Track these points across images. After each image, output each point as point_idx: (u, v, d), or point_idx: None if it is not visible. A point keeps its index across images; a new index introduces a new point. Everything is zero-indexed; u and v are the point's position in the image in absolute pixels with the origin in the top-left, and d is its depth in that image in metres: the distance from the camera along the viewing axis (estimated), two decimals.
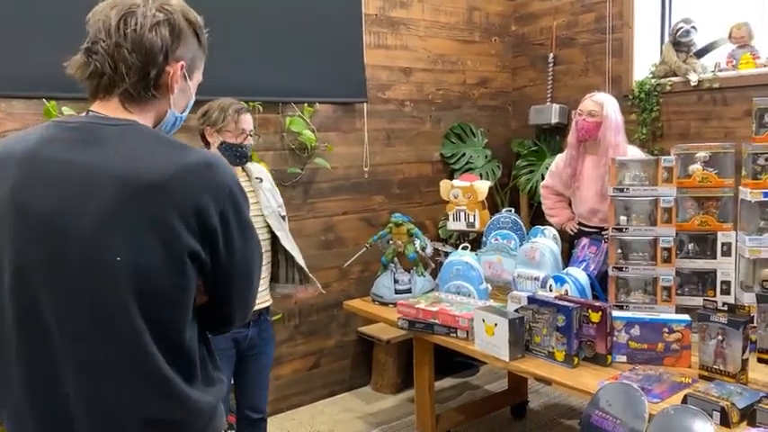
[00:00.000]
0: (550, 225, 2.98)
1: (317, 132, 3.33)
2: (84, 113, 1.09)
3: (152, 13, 1.06)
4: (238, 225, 1.09)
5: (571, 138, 2.95)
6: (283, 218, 2.38)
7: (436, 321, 2.35)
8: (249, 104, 3.05)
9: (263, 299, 2.32)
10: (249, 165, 2.37)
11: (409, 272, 2.88)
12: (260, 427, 2.46)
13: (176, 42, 1.09)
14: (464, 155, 3.97)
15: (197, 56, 1.17)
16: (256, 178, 2.34)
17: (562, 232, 3.08)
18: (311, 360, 3.53)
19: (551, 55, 4.01)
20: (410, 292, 2.78)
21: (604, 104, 2.79)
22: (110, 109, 1.07)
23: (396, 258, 2.89)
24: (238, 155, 2.24)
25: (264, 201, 2.31)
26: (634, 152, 2.87)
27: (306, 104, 3.30)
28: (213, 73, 2.93)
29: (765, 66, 3.07)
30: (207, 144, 2.29)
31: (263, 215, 2.29)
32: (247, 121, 2.26)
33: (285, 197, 3.26)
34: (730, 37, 3.22)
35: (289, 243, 2.35)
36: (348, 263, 3.27)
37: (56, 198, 0.99)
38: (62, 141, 1.03)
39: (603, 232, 2.56)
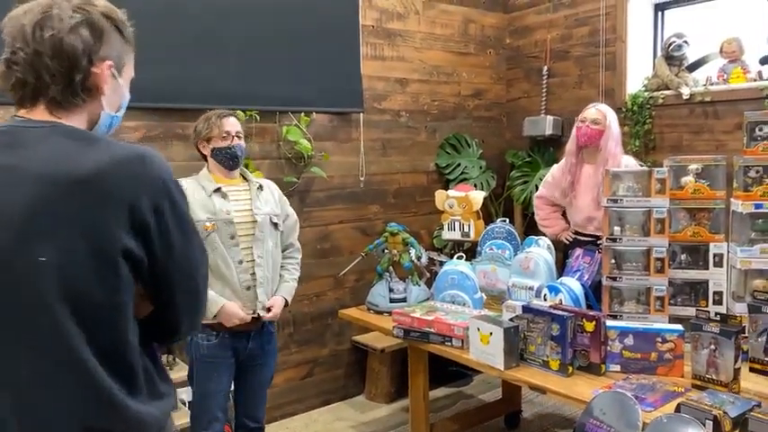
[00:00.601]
0: (545, 235, 3.01)
1: (314, 142, 3.35)
2: (8, 119, 1.06)
3: (68, 15, 1.01)
4: (176, 221, 1.04)
5: (570, 145, 2.99)
6: (275, 225, 2.36)
7: (431, 330, 2.36)
8: (246, 113, 3.08)
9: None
10: (259, 179, 2.43)
11: (404, 281, 2.89)
12: None
13: (99, 42, 1.05)
14: (459, 165, 4.00)
15: (123, 52, 1.12)
16: (257, 186, 2.36)
17: (556, 242, 3.10)
18: (305, 369, 3.53)
19: (545, 67, 4.05)
20: (405, 301, 2.80)
21: (607, 115, 2.87)
22: (35, 115, 1.03)
23: (391, 267, 2.91)
24: (228, 156, 2.28)
25: (257, 205, 2.32)
26: (629, 162, 2.92)
27: (302, 114, 3.32)
28: (210, 82, 2.98)
29: (755, 80, 3.12)
30: (204, 157, 2.33)
31: (254, 220, 2.29)
32: (231, 123, 2.30)
33: None
34: (721, 51, 3.28)
35: (259, 250, 2.29)
36: (343, 272, 3.29)
37: None
38: None
39: (599, 242, 2.58)
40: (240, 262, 2.24)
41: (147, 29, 2.79)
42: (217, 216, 2.22)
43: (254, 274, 2.27)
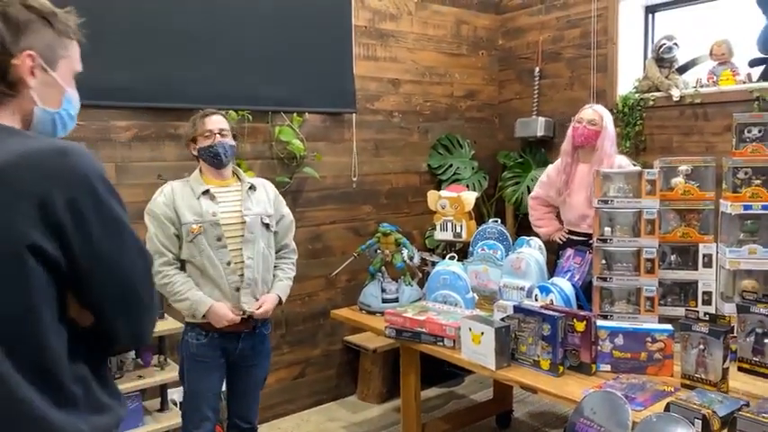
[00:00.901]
0: (536, 235, 3.02)
1: (306, 142, 3.35)
2: None
3: None
4: (101, 220, 0.98)
5: (566, 145, 3.02)
6: (267, 226, 2.33)
7: (423, 330, 2.37)
8: (238, 113, 3.07)
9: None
10: (253, 179, 2.42)
11: (397, 281, 2.90)
12: None
13: (16, 34, 1.01)
14: (451, 166, 4.01)
15: (56, 44, 1.06)
16: (249, 186, 2.34)
17: (549, 243, 3.12)
18: (297, 369, 3.52)
19: (537, 69, 4.07)
20: (397, 301, 2.80)
21: (603, 116, 2.90)
22: None
23: (383, 268, 2.91)
24: (211, 155, 2.27)
25: (247, 205, 2.29)
26: (622, 161, 2.94)
27: (295, 114, 3.32)
28: (203, 82, 2.97)
29: (745, 82, 3.15)
30: (197, 159, 2.33)
31: (243, 221, 2.26)
32: (212, 121, 2.28)
33: None
34: (711, 54, 3.30)
35: (249, 251, 2.26)
36: (336, 272, 3.29)
37: None
38: None
39: (591, 240, 2.60)
40: (229, 263, 2.23)
41: (140, 28, 2.81)
42: (203, 218, 2.21)
43: (242, 275, 2.26)
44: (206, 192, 2.25)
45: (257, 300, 2.29)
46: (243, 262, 2.25)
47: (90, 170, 0.97)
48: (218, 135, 2.26)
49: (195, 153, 2.30)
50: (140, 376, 2.71)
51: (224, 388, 2.42)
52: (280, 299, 2.36)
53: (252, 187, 2.35)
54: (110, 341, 1.07)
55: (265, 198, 2.38)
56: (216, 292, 2.23)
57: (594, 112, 2.91)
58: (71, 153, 0.97)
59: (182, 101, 2.93)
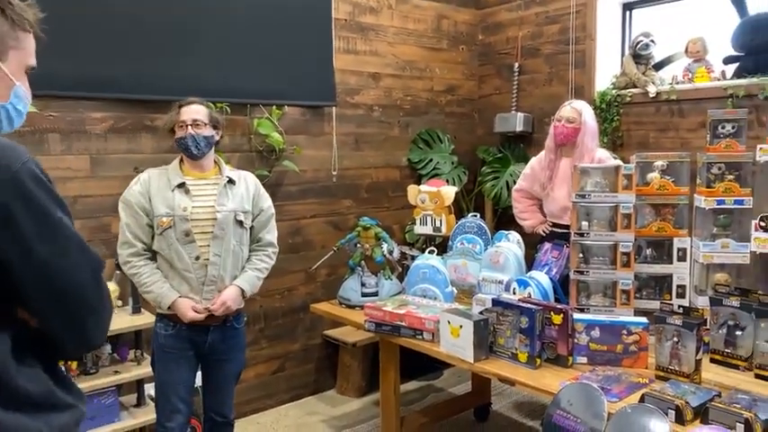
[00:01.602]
0: (515, 230, 3.04)
1: (286, 135, 3.32)
2: None
3: None
4: (33, 223, 0.92)
5: (549, 142, 3.04)
6: (240, 223, 2.28)
7: (402, 324, 2.38)
8: (217, 106, 3.04)
9: None
10: (235, 171, 2.37)
11: (376, 275, 2.90)
12: (225, 431, 2.44)
13: None
14: (431, 160, 4.02)
15: (7, 35, 1.01)
16: (227, 180, 2.30)
17: (532, 235, 3.15)
18: (276, 364, 3.51)
19: (516, 64, 4.09)
20: (377, 295, 2.80)
21: (582, 112, 2.91)
22: None
23: (363, 262, 2.91)
24: (183, 147, 2.24)
25: (221, 201, 2.24)
26: (603, 154, 2.97)
27: (274, 107, 3.29)
28: (180, 74, 2.94)
29: (719, 79, 3.20)
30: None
31: (215, 217, 2.22)
32: (187, 112, 2.23)
33: None
34: (686, 51, 3.35)
35: (217, 248, 2.22)
36: (315, 266, 3.28)
37: None
38: None
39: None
40: (197, 258, 2.20)
41: (116, 18, 2.76)
42: (173, 212, 2.18)
43: (218, 276, 2.24)
44: (181, 185, 2.22)
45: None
46: (213, 263, 2.22)
47: (20, 169, 0.91)
48: (190, 126, 2.20)
49: (174, 143, 2.28)
50: (116, 371, 2.67)
51: (200, 382, 2.41)
52: (243, 291, 2.28)
53: (231, 181, 2.31)
54: (56, 346, 1.03)
55: (244, 193, 2.32)
56: (184, 286, 2.21)
57: (573, 109, 2.93)
58: None
59: (158, 92, 2.88)
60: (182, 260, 2.19)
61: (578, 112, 2.91)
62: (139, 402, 2.77)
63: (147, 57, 2.84)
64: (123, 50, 2.78)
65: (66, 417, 1.02)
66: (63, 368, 1.10)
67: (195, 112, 2.24)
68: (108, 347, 2.71)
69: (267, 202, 2.43)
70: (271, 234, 2.43)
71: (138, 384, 2.75)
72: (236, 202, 2.28)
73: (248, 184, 2.37)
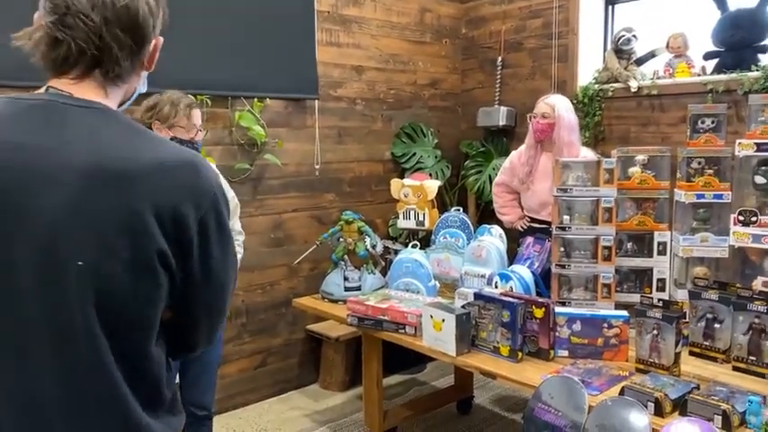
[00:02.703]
0: (498, 224, 3.05)
1: (267, 128, 3.29)
2: (42, 90, 0.93)
3: None
4: (219, 237, 0.96)
5: (529, 139, 3.06)
6: None
7: (385, 318, 2.37)
8: (197, 98, 2.99)
9: None
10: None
11: (359, 269, 2.89)
12: (205, 424, 2.42)
13: (158, 11, 0.97)
14: (414, 154, 4.01)
15: (156, 30, 1.02)
16: None
17: (511, 230, 3.16)
18: (258, 359, 3.49)
19: (500, 58, 4.09)
20: (360, 290, 2.79)
21: (556, 106, 2.91)
22: (80, 90, 0.91)
23: (346, 256, 2.90)
24: (192, 147, 2.19)
25: None
26: (584, 153, 2.99)
27: (256, 99, 3.26)
28: (160, 65, 2.88)
29: (699, 75, 3.23)
30: None
31: None
32: (198, 115, 2.23)
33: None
34: (668, 47, 3.38)
35: None
36: (298, 260, 3.26)
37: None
38: (17, 121, 0.87)
39: (550, 228, 2.64)
40: None
41: None
42: None
43: None
44: None
45: None
46: None
47: (215, 187, 0.95)
48: (199, 131, 2.20)
49: (170, 130, 2.17)
50: None
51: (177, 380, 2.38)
52: None
53: None
54: (188, 348, 1.07)
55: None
56: None
57: (546, 104, 2.94)
58: (200, 167, 0.94)
59: None
60: None
61: (551, 106, 2.92)
62: None
63: None
64: None
65: (179, 419, 1.03)
66: None
67: (199, 116, 2.23)
68: None
69: (231, 192, 2.42)
70: (238, 224, 2.45)
71: None
72: None
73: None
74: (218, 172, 0.99)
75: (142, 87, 1.06)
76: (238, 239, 2.44)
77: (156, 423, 0.94)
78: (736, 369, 1.92)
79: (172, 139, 2.15)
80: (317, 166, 3.62)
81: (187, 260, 0.93)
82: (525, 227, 3.14)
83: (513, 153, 3.20)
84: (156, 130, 2.16)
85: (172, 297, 0.94)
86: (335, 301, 2.79)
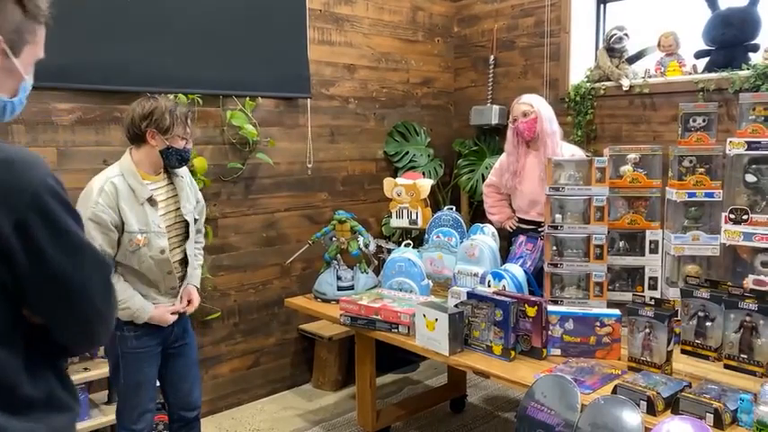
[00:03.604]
0: (490, 223, 3.05)
1: (259, 127, 3.28)
2: None
3: None
4: (53, 237, 0.91)
5: (508, 146, 3.08)
6: (195, 221, 2.29)
7: (378, 317, 2.37)
8: (188, 97, 2.98)
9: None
10: (177, 170, 2.28)
11: (352, 269, 2.88)
12: (194, 426, 2.40)
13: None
14: (407, 153, 4.01)
15: (24, 28, 0.97)
16: (180, 176, 2.26)
17: (501, 230, 3.16)
18: (251, 359, 3.48)
19: (492, 57, 4.09)
20: (353, 289, 2.79)
21: (532, 102, 2.94)
22: None
23: (339, 255, 2.89)
24: (180, 159, 2.16)
25: (185, 204, 2.22)
26: (574, 151, 2.99)
27: (247, 98, 3.24)
28: (152, 64, 2.87)
29: (690, 73, 3.24)
30: (136, 140, 2.12)
31: (183, 221, 2.22)
32: (191, 125, 2.21)
33: (225, 192, 3.22)
34: (659, 45, 3.39)
35: (188, 250, 2.25)
36: (290, 260, 3.25)
37: None
38: None
39: (540, 229, 2.64)
40: (169, 272, 2.17)
41: (84, 5, 2.68)
42: (149, 228, 2.09)
43: (182, 276, 2.24)
44: (150, 198, 2.11)
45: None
46: (180, 267, 2.23)
47: (39, 185, 0.89)
48: (191, 141, 2.19)
49: (155, 144, 2.09)
50: (86, 368, 2.62)
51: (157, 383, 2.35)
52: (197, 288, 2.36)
53: (182, 177, 2.26)
54: (62, 350, 1.04)
55: (188, 187, 2.28)
56: (152, 291, 2.17)
57: (523, 104, 2.97)
58: (20, 164, 0.88)
59: (129, 83, 2.82)
60: (154, 275, 2.15)
61: (529, 104, 2.95)
62: (110, 399, 2.73)
63: (115, 46, 2.76)
64: (91, 39, 2.70)
65: (65, 418, 1.01)
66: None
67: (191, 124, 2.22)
68: None
69: (199, 191, 2.43)
70: (203, 224, 2.45)
71: (109, 381, 2.70)
72: (190, 200, 2.26)
73: (187, 179, 2.31)
74: (48, 167, 0.95)
75: (5, 95, 1.00)
76: (202, 242, 2.45)
77: (18, 423, 0.92)
78: (727, 367, 1.93)
79: (168, 148, 2.11)
80: (310, 165, 3.61)
81: (16, 267, 0.89)
82: (514, 227, 3.14)
83: (503, 154, 3.21)
84: (150, 138, 2.09)
85: (20, 301, 0.92)
86: (328, 301, 2.78)
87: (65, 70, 2.64)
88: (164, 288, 2.19)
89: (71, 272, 0.95)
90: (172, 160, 2.14)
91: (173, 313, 2.20)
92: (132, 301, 2.10)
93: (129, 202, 2.06)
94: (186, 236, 2.24)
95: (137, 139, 2.12)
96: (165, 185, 2.20)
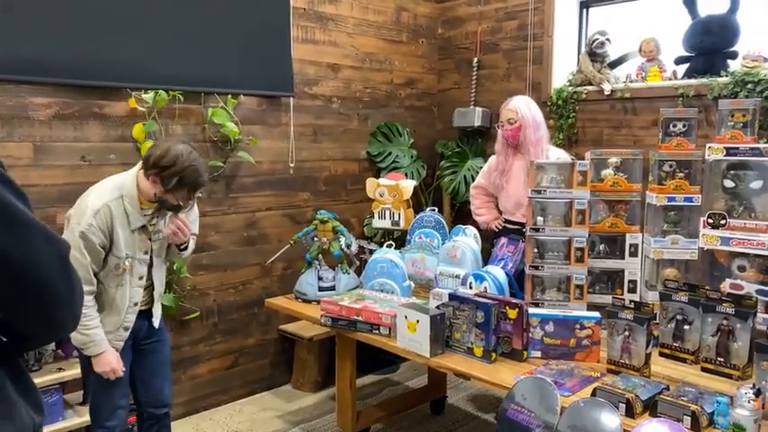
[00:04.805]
0: (472, 224, 3.06)
1: (241, 125, 3.25)
2: None
3: None
4: (4, 223, 0.89)
5: (498, 146, 3.09)
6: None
7: (359, 318, 2.36)
8: (169, 93, 2.94)
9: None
10: None
11: (334, 269, 2.87)
12: (165, 424, 2.37)
13: None
14: (390, 154, 4.00)
15: None
16: None
17: (486, 231, 3.17)
18: (230, 359, 3.44)
19: (476, 59, 4.11)
20: (334, 290, 2.77)
21: (518, 108, 2.95)
22: None
23: (320, 255, 2.87)
24: (174, 210, 2.12)
25: (159, 225, 2.18)
26: (559, 154, 3.01)
27: (229, 96, 3.21)
28: (132, 60, 2.83)
29: (671, 79, 3.28)
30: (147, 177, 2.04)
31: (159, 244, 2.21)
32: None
33: (205, 191, 3.17)
34: (640, 50, 3.42)
35: (156, 275, 2.23)
36: (271, 260, 3.22)
37: None
38: None
39: (525, 229, 2.65)
40: (135, 304, 2.16)
41: (67, 1, 2.62)
42: (134, 255, 2.08)
43: (151, 299, 2.24)
44: (143, 227, 2.09)
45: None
46: (146, 293, 2.20)
47: None
48: (188, 205, 2.14)
49: (158, 191, 2.02)
50: (60, 368, 2.57)
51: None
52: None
53: None
54: (25, 340, 1.00)
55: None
56: (113, 317, 2.12)
57: (509, 110, 2.97)
58: None
59: (108, 79, 2.77)
60: (123, 300, 2.11)
61: (514, 110, 2.95)
62: (85, 400, 2.67)
63: (95, 40, 2.71)
64: (69, 32, 2.65)
65: (10, 427, 0.96)
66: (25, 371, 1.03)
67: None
68: (51, 344, 2.60)
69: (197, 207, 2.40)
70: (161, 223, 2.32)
71: (84, 382, 2.65)
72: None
73: None
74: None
75: None
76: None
77: None
78: (704, 370, 1.95)
79: (161, 198, 2.04)
80: (292, 165, 3.58)
81: None
82: (500, 227, 3.16)
83: (492, 157, 3.22)
84: (151, 184, 2.03)
85: None
86: (309, 302, 2.76)
87: (43, 64, 2.59)
88: (125, 304, 2.13)
89: (19, 251, 0.91)
90: (163, 205, 2.09)
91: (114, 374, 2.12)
92: (95, 331, 2.04)
93: (123, 225, 2.04)
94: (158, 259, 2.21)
95: (142, 175, 2.07)
96: (159, 211, 2.15)
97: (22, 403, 0.98)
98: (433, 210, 3.00)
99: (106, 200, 2.03)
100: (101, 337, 2.07)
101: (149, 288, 2.22)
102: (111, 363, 2.10)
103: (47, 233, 0.95)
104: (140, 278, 2.14)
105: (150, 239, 2.15)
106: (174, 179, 1.99)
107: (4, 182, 0.92)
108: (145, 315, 2.24)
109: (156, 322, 2.28)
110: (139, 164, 2.11)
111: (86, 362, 2.16)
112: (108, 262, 2.05)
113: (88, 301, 2.02)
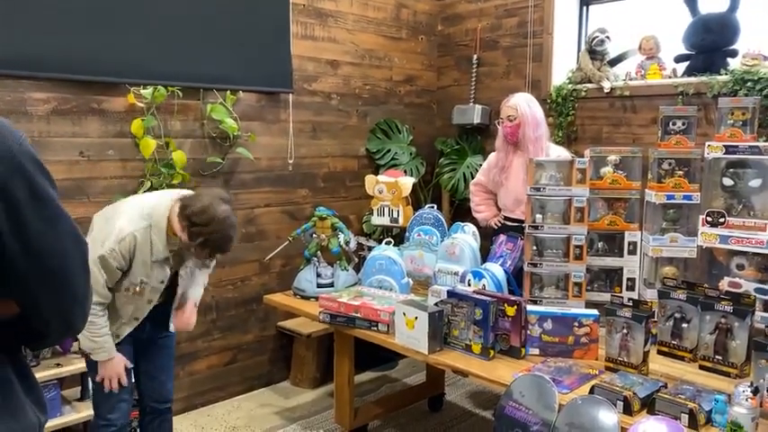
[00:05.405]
0: (471, 222, 3.06)
1: (240, 121, 3.24)
2: None
3: None
4: (35, 206, 0.89)
5: (498, 142, 3.09)
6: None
7: (358, 315, 2.36)
8: (168, 89, 2.93)
9: None
10: None
11: (332, 266, 2.87)
12: (167, 418, 2.38)
13: None
14: (389, 151, 4.00)
15: None
16: None
17: (486, 228, 3.17)
18: (228, 355, 3.44)
19: (475, 56, 4.10)
20: (333, 286, 2.77)
21: (518, 106, 2.94)
22: None
23: (319, 252, 2.87)
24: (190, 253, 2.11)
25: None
26: (560, 152, 3.01)
27: (228, 92, 3.20)
28: (132, 55, 2.82)
29: (670, 77, 3.27)
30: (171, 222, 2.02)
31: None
32: None
33: (204, 187, 3.17)
34: (640, 48, 3.42)
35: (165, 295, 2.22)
36: (269, 256, 3.22)
37: None
38: None
39: (524, 227, 2.65)
40: (137, 319, 2.16)
41: None
42: (149, 282, 2.08)
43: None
44: (166, 259, 2.08)
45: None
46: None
47: (21, 153, 0.87)
48: (202, 263, 2.21)
49: (184, 237, 1.98)
50: (58, 364, 2.57)
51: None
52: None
53: None
54: (39, 336, 0.99)
55: None
56: (117, 319, 2.14)
57: (509, 107, 2.97)
58: None
59: (106, 74, 2.76)
60: (124, 313, 2.13)
61: (514, 107, 2.95)
62: (83, 396, 2.68)
63: (94, 36, 2.70)
64: (68, 28, 2.64)
65: (20, 425, 0.95)
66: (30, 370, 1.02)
67: None
68: None
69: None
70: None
71: (82, 377, 2.65)
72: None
73: None
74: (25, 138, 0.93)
75: None
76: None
77: None
78: (702, 368, 1.95)
79: (182, 246, 2.02)
80: (291, 161, 3.58)
81: None
82: (499, 224, 3.15)
83: (492, 154, 3.22)
84: (180, 230, 1.98)
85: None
86: (307, 298, 2.76)
87: (41, 59, 2.58)
88: (127, 317, 2.15)
89: (51, 241, 0.91)
90: (183, 250, 2.09)
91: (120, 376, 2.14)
92: (104, 339, 2.06)
93: (145, 255, 2.03)
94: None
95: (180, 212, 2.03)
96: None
97: (27, 402, 0.97)
98: (432, 207, 3.00)
99: (134, 228, 2.00)
100: (110, 345, 2.08)
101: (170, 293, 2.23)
102: (117, 369, 2.11)
103: (76, 234, 0.97)
104: (149, 302, 2.14)
105: (170, 270, 2.14)
106: (201, 238, 1.95)
107: (47, 178, 0.92)
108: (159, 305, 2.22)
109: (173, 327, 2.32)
110: (176, 195, 2.07)
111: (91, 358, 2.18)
112: (121, 282, 2.07)
113: (99, 310, 2.03)
